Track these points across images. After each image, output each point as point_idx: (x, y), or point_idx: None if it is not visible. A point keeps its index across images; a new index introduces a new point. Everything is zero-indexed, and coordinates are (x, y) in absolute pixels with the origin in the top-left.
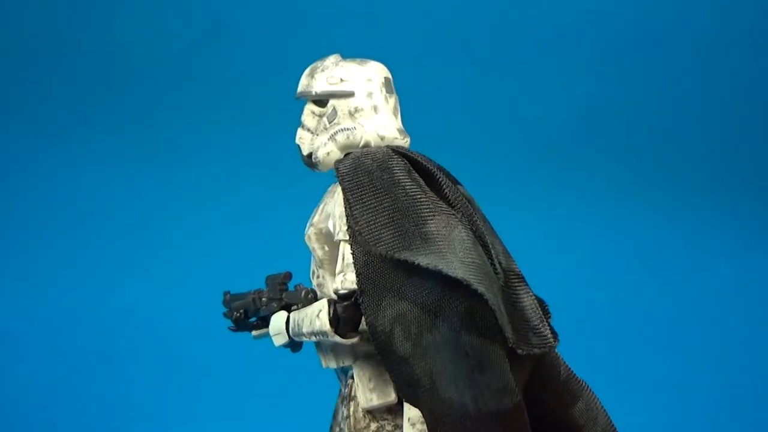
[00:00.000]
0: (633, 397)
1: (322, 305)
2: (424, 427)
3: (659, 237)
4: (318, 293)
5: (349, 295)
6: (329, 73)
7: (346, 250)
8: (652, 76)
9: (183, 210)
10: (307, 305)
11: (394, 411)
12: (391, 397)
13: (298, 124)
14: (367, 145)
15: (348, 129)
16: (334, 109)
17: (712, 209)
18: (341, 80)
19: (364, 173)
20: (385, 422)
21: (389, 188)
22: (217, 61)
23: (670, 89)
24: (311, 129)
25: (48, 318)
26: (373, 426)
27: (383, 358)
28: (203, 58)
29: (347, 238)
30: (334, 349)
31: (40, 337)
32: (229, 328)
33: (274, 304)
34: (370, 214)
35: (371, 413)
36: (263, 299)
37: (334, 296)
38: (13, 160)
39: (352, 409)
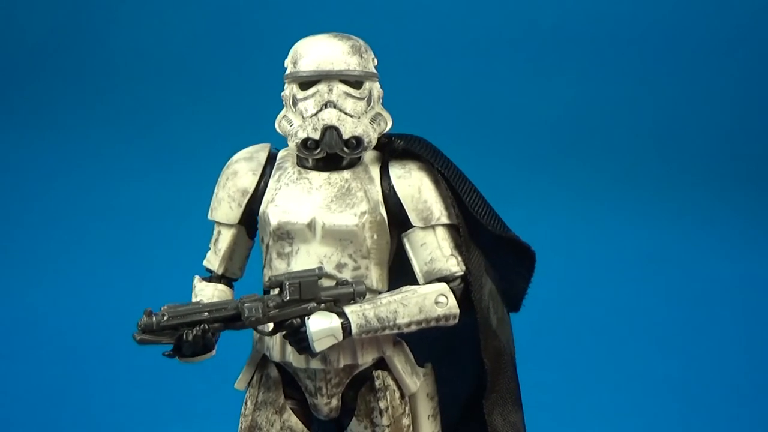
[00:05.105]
0: (632, 396)
1: (438, 290)
2: (436, 400)
3: (659, 236)
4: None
5: (465, 276)
6: (372, 54)
7: (452, 234)
8: (654, 77)
9: (183, 209)
10: (361, 297)
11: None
12: (421, 376)
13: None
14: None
15: (382, 115)
16: (370, 92)
17: (712, 209)
18: (376, 62)
19: (442, 156)
20: (407, 403)
21: (460, 171)
22: (217, 61)
23: (671, 90)
24: (349, 112)
25: (46, 317)
26: (405, 409)
27: (483, 332)
28: (203, 58)
29: (454, 221)
30: (377, 340)
31: (39, 336)
32: (166, 353)
33: (312, 305)
34: (473, 197)
35: (404, 397)
36: (281, 301)
37: (443, 281)
38: (12, 159)
39: (389, 399)
